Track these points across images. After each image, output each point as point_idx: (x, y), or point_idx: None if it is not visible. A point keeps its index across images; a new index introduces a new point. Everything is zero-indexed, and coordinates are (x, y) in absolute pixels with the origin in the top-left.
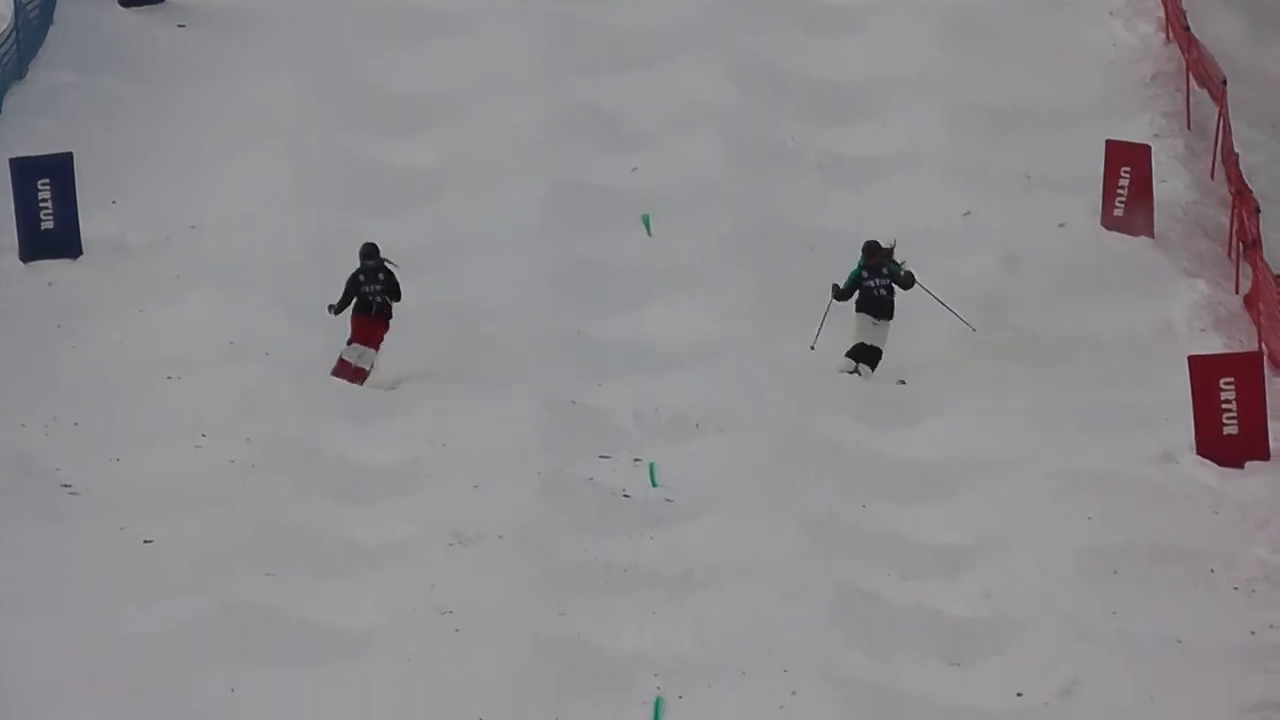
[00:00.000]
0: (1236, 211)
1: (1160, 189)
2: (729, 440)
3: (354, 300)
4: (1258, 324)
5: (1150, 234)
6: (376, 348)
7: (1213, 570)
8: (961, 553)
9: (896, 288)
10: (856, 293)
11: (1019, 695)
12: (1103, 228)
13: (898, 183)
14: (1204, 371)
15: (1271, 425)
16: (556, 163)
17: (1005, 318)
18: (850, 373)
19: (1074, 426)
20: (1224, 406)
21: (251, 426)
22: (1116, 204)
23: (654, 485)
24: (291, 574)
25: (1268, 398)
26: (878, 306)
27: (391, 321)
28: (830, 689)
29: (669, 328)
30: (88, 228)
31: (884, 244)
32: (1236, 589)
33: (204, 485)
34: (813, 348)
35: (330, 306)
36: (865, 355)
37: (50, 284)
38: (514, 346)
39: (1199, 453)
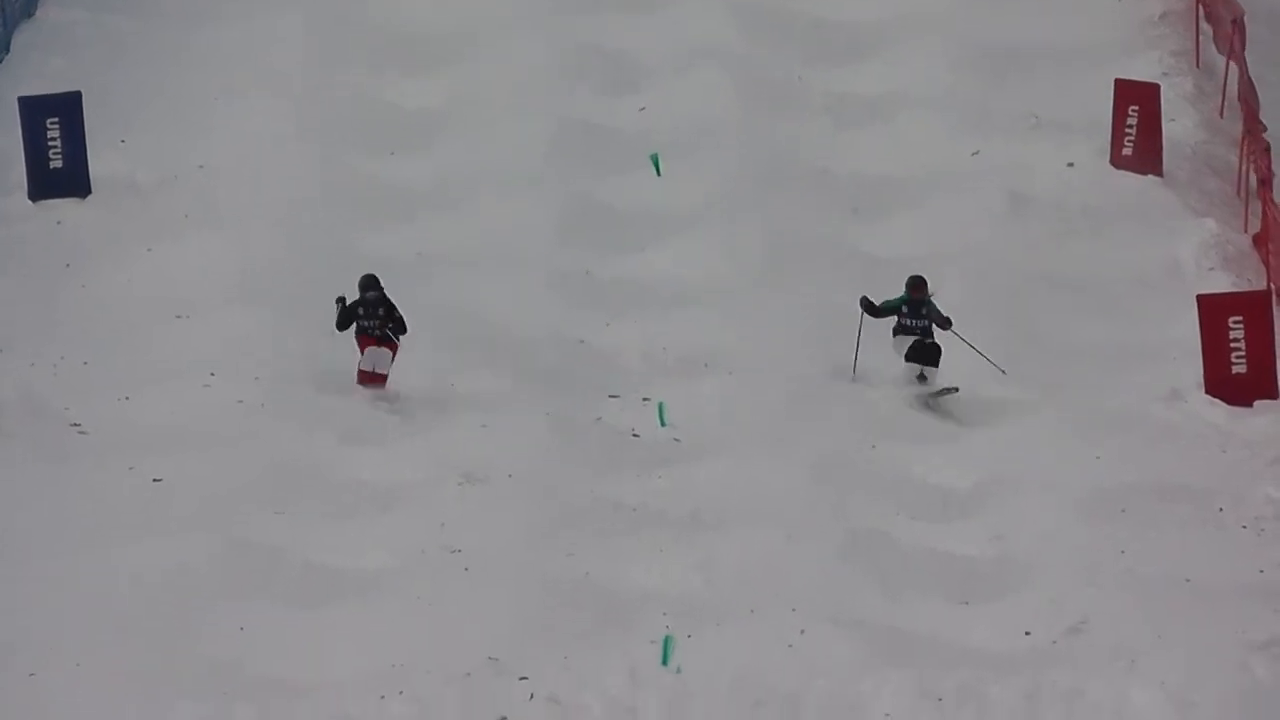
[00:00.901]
0: (1247, 147)
1: (1169, 128)
2: (738, 380)
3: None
4: (1266, 263)
5: (1159, 173)
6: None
7: (1221, 509)
8: (971, 494)
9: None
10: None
11: (1027, 634)
12: (1111, 167)
13: (905, 122)
14: (1212, 310)
15: None
16: (564, 103)
17: (1011, 260)
18: (918, 379)
19: (1082, 366)
20: (1232, 345)
21: (260, 366)
22: (1125, 143)
23: (662, 425)
24: (300, 514)
25: (1277, 336)
26: (923, 351)
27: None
28: (839, 629)
29: (677, 268)
30: (96, 166)
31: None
32: (1245, 527)
33: (212, 425)
34: (853, 379)
35: (336, 325)
36: (925, 354)
37: (59, 223)
38: (521, 287)
39: (1207, 392)
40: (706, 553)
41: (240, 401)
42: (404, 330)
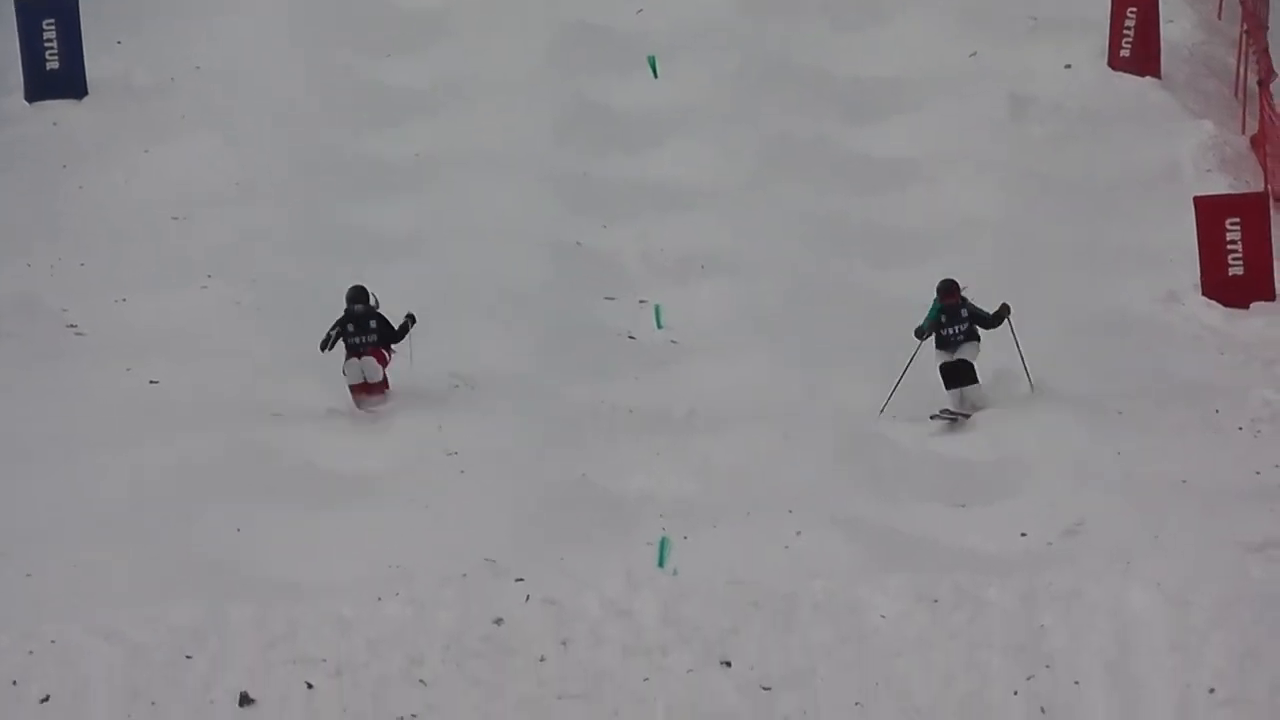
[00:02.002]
0: (1246, 49)
1: (1167, 29)
2: (734, 282)
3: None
4: (1264, 165)
5: (1157, 74)
6: (381, 362)
7: (1218, 411)
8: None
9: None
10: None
11: (1023, 536)
12: (1109, 69)
13: (903, 23)
14: (1210, 212)
15: (1278, 265)
16: (561, 3)
17: (1010, 162)
18: (949, 414)
19: (1080, 268)
20: (1229, 247)
21: (256, 268)
22: (1123, 45)
23: (659, 327)
24: (297, 417)
25: (1274, 238)
26: (956, 373)
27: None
28: (835, 529)
29: (675, 170)
30: (93, 68)
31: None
32: (1241, 429)
33: (210, 327)
34: (882, 411)
35: (321, 345)
36: (959, 375)
37: (55, 124)
38: (520, 190)
39: (1205, 294)
40: (703, 455)
41: (237, 303)
42: (399, 338)
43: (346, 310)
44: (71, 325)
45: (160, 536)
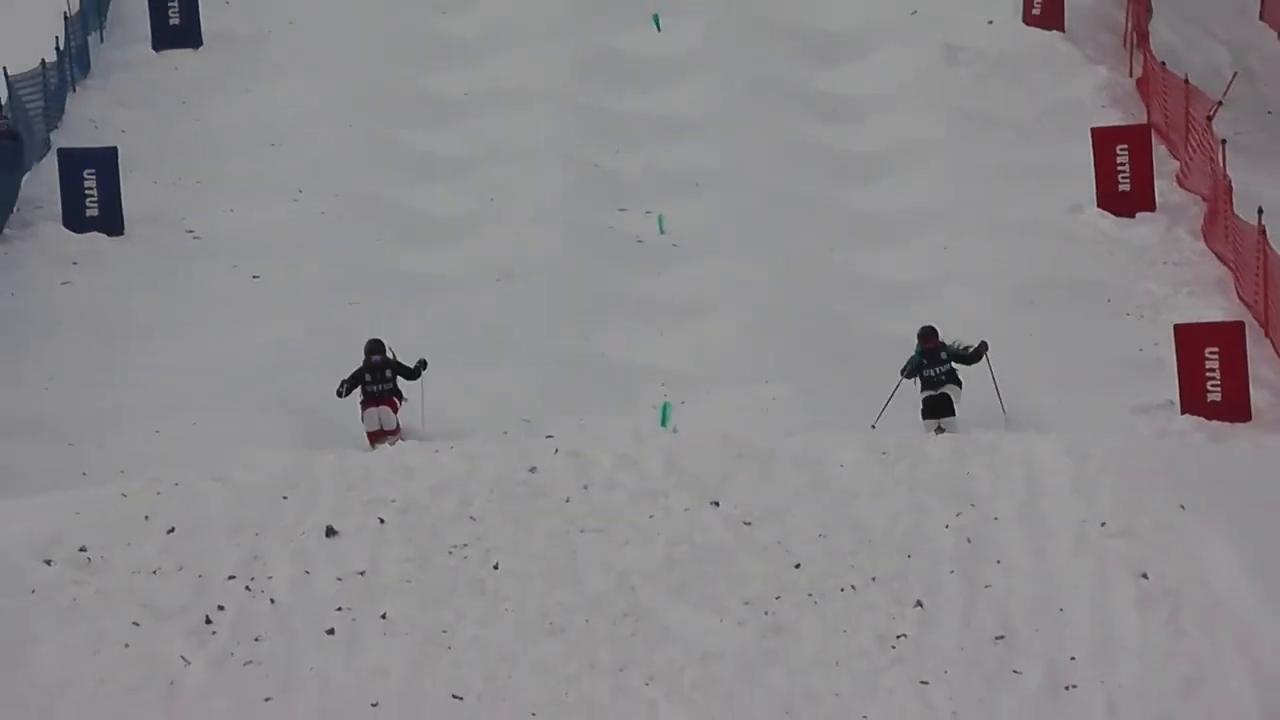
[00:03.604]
0: (1132, 9)
1: None
2: (722, 197)
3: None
4: (1146, 102)
5: (1061, 29)
6: (394, 410)
7: (1110, 300)
8: (911, 287)
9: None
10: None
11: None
12: (1023, 25)
13: None
14: (1102, 140)
15: (1158, 183)
16: None
17: (946, 99)
18: (936, 432)
19: (1001, 184)
20: (1119, 168)
21: (339, 184)
22: (1034, 4)
23: (661, 233)
24: (369, 304)
25: (1154, 161)
26: (936, 405)
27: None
28: (804, 396)
29: (674, 105)
30: (207, 23)
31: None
32: (1129, 315)
33: (300, 233)
34: (874, 426)
35: (337, 392)
36: (940, 408)
37: (176, 69)
38: (547, 120)
39: (1099, 205)
40: (697, 336)
41: (322, 213)
42: (414, 377)
43: (365, 361)
44: (189, 231)
45: (262, 400)
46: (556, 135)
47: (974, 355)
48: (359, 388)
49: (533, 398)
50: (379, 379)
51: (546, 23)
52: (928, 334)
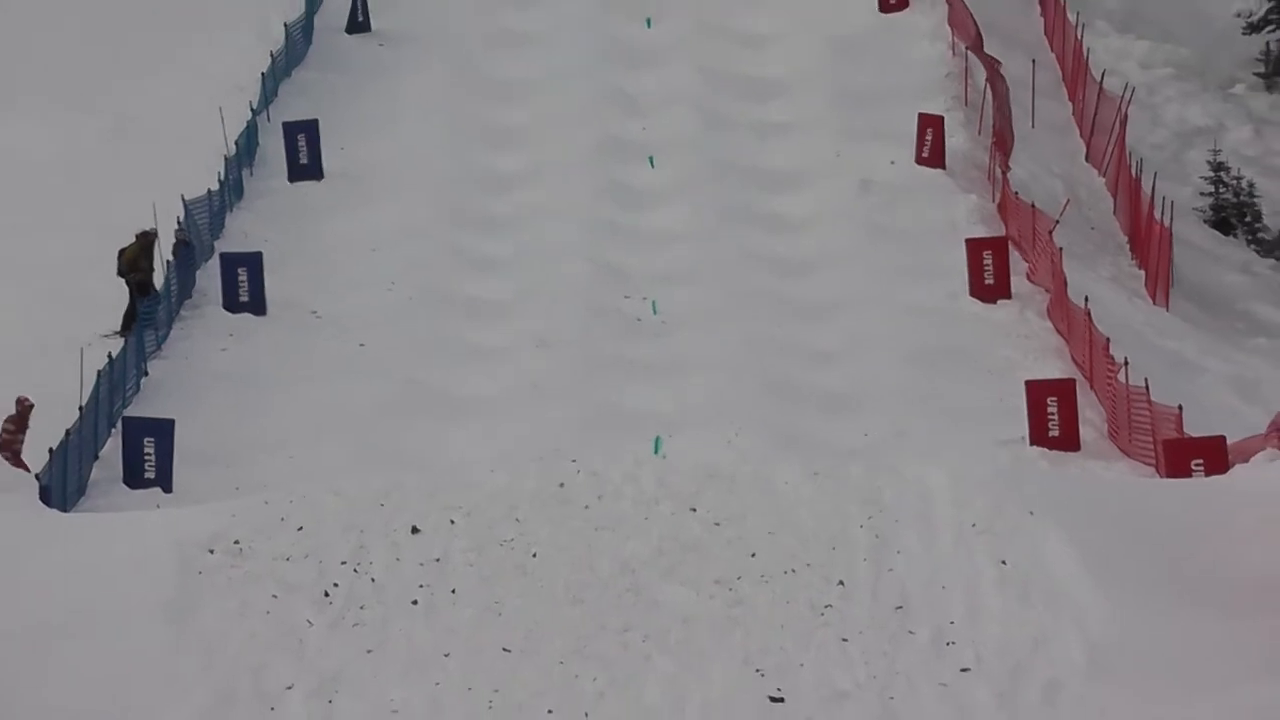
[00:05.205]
0: (994, 153)
1: (950, 141)
2: (700, 287)
3: None
4: (1004, 220)
5: (943, 167)
6: None
7: (978, 362)
8: (837, 352)
9: None
10: None
11: (866, 435)
12: (916, 164)
13: (798, 137)
14: (973, 248)
15: (1014, 278)
16: (596, 120)
17: (860, 218)
18: None
19: (898, 278)
20: (985, 267)
21: (421, 278)
22: (924, 150)
23: (655, 314)
24: (444, 365)
25: (1010, 263)
26: None
27: None
28: (759, 434)
29: (665, 221)
30: (327, 162)
31: None
32: (991, 373)
33: (394, 313)
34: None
35: None
36: None
37: (304, 196)
38: (574, 230)
39: (971, 294)
40: (681, 389)
41: (409, 299)
42: None
43: None
44: (313, 311)
45: (365, 436)
46: (579, 242)
47: None
48: None
49: (562, 432)
50: None
51: (573, 161)
52: None
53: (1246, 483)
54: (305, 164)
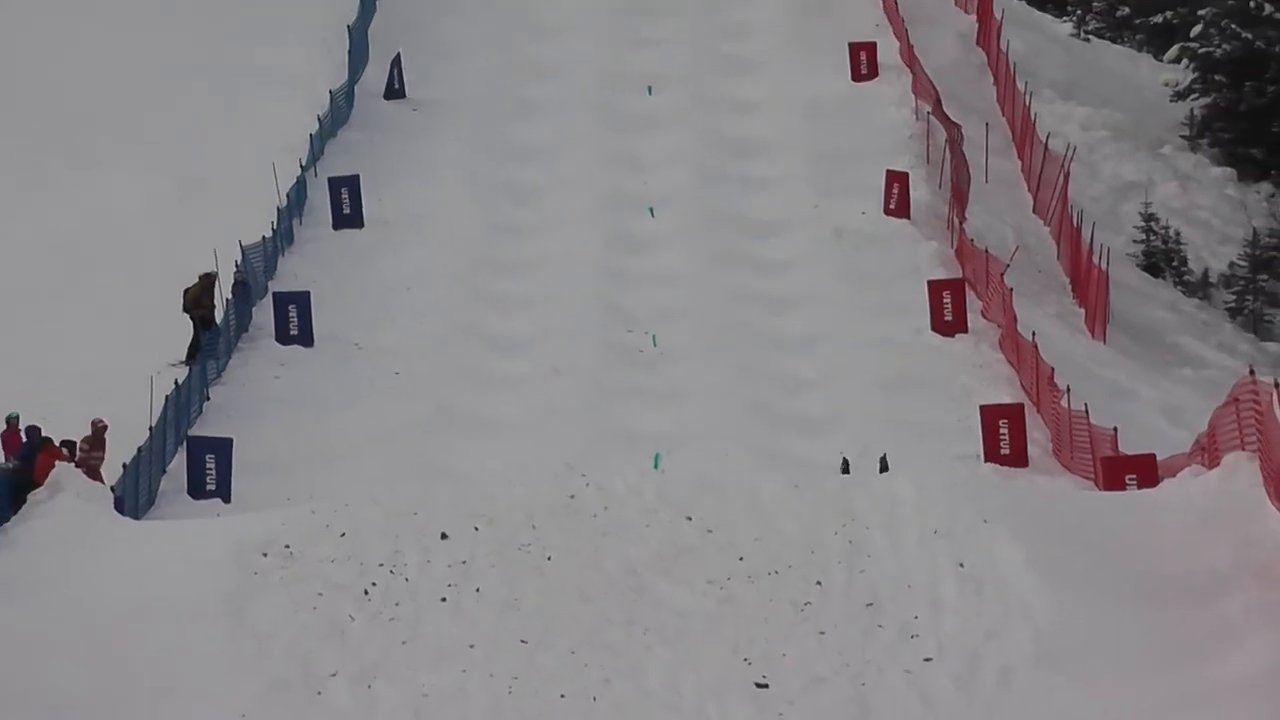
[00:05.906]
0: (953, 205)
1: (914, 193)
2: (695, 323)
3: None
4: (961, 264)
5: (908, 217)
6: None
7: (938, 389)
8: (815, 380)
9: None
10: None
11: (841, 454)
12: (884, 214)
13: (780, 190)
14: (934, 289)
15: (970, 315)
16: (604, 177)
17: (834, 262)
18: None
19: (868, 315)
20: (945, 306)
21: (450, 314)
22: (891, 201)
23: (655, 346)
24: (473, 390)
25: (967, 301)
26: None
27: None
28: (746, 452)
29: (663, 265)
30: (368, 211)
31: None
32: (950, 398)
33: (428, 343)
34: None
35: None
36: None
37: (347, 242)
38: (586, 276)
39: (932, 329)
40: (679, 411)
41: (440, 333)
42: None
43: None
44: (355, 343)
45: (400, 451)
46: (588, 283)
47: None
48: None
49: (574, 450)
50: None
51: (583, 213)
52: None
53: (1173, 496)
54: (348, 214)
